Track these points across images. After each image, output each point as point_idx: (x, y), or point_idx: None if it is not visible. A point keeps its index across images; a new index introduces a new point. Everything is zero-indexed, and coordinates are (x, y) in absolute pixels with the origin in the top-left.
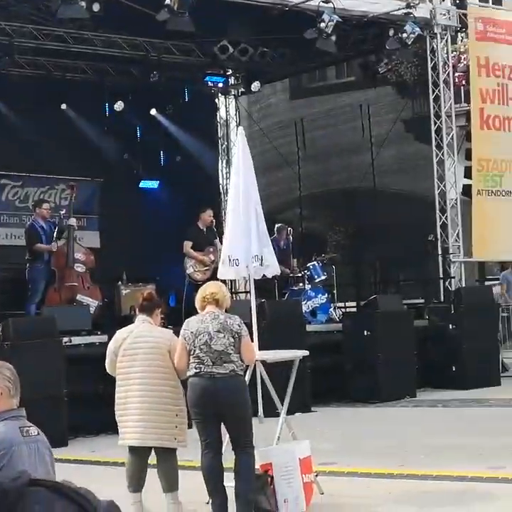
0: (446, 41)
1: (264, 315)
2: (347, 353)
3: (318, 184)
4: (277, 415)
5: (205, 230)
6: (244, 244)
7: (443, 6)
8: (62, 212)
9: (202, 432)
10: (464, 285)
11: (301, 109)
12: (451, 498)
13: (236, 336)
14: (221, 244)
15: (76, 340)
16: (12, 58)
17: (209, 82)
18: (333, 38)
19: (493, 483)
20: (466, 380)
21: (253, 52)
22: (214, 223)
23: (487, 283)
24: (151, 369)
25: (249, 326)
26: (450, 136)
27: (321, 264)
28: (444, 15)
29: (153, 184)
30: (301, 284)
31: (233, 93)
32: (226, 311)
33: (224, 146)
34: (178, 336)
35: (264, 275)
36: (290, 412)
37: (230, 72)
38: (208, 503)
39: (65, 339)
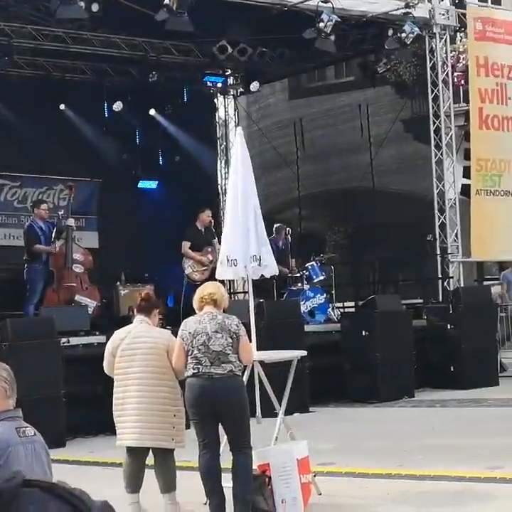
0: (445, 41)
1: (263, 315)
2: (345, 353)
3: (317, 184)
4: (275, 415)
5: (203, 230)
6: (242, 244)
7: (442, 5)
8: (60, 213)
9: (200, 433)
10: (462, 285)
11: (300, 109)
12: (449, 499)
13: (234, 336)
14: (219, 244)
15: (74, 340)
16: (11, 59)
17: (208, 82)
18: (332, 37)
19: (491, 483)
20: (464, 380)
21: (252, 52)
22: (212, 223)
23: (485, 283)
24: (149, 369)
25: (248, 326)
26: (449, 135)
27: (319, 264)
28: (443, 15)
29: (151, 184)
30: (299, 284)
31: (232, 93)
32: (224, 311)
33: (223, 146)
34: (176, 337)
35: (262, 275)
36: (288, 412)
37: (229, 72)
38: (205, 503)
39: (64, 340)
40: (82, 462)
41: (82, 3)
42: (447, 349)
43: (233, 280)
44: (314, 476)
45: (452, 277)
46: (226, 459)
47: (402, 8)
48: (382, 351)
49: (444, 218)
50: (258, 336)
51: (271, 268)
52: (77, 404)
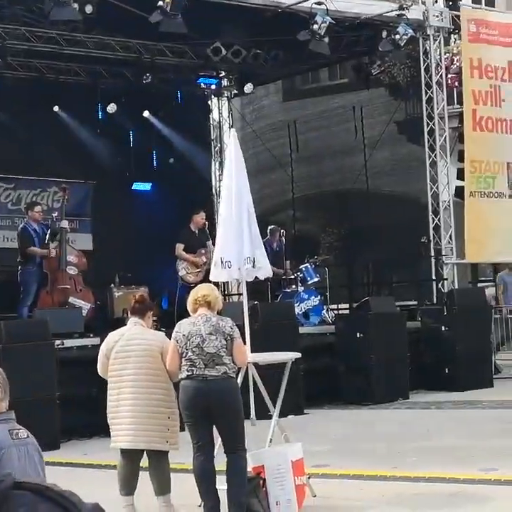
0: (439, 43)
1: (257, 317)
2: (340, 355)
3: (311, 186)
4: (270, 418)
5: (197, 232)
6: (236, 246)
7: (436, 7)
8: (54, 215)
9: (194, 435)
10: (456, 287)
11: (294, 111)
12: (443, 500)
13: (228, 338)
14: (213, 246)
15: (68, 342)
16: (4, 60)
17: (202, 84)
18: (326, 39)
19: (485, 485)
20: (459, 381)
21: (246, 54)
22: (206, 225)
23: (480, 285)
24: (143, 372)
25: (242, 328)
26: (443, 137)
27: (313, 266)
28: (437, 16)
29: (145, 186)
30: (293, 286)
31: (226, 95)
32: (218, 313)
33: (217, 148)
34: (170, 339)
35: (256, 277)
36: (283, 414)
37: (222, 74)
38: (200, 506)
39: (58, 342)
40: (77, 464)
41: (76, 5)
42: (442, 351)
43: (227, 282)
44: (309, 478)
45: (446, 279)
46: (220, 461)
47: (396, 10)
48: (377, 353)
49: (438, 220)
50: (252, 338)
51: (265, 270)
52: (72, 406)
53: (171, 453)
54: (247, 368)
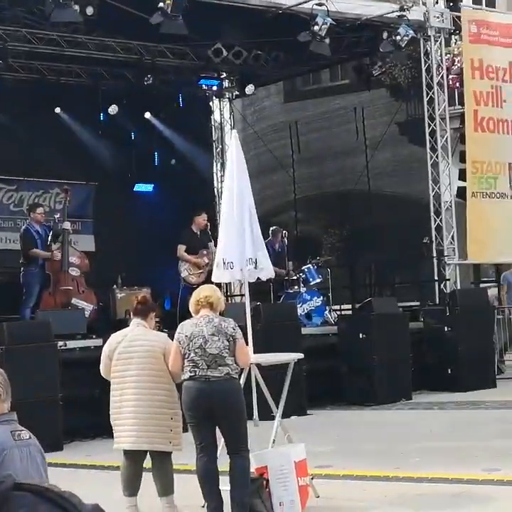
0: (440, 44)
1: (259, 318)
2: (342, 356)
3: (313, 187)
4: (272, 418)
5: (199, 233)
6: (238, 247)
7: (436, 8)
8: (56, 216)
9: (197, 436)
10: (459, 287)
11: (295, 112)
12: (446, 501)
13: (231, 339)
14: (215, 247)
15: (71, 344)
16: (6, 62)
17: (203, 86)
18: (327, 40)
19: (488, 485)
20: (461, 382)
21: (247, 56)
22: (208, 226)
23: (482, 285)
24: (146, 372)
25: (244, 329)
26: (444, 138)
27: (316, 266)
28: (438, 17)
29: (147, 187)
30: (296, 287)
31: (227, 96)
32: (221, 314)
33: (218, 149)
34: (172, 340)
35: (258, 278)
36: (285, 415)
37: (224, 75)
38: (203, 506)
39: (60, 343)
40: (80, 466)
41: (77, 7)
42: (444, 351)
43: (230, 283)
44: (312, 478)
45: (449, 280)
46: (223, 462)
47: (397, 11)
48: (379, 354)
49: (440, 221)
50: (255, 339)
51: (267, 271)
52: (74, 407)
53: (174, 454)
54: (250, 368)
